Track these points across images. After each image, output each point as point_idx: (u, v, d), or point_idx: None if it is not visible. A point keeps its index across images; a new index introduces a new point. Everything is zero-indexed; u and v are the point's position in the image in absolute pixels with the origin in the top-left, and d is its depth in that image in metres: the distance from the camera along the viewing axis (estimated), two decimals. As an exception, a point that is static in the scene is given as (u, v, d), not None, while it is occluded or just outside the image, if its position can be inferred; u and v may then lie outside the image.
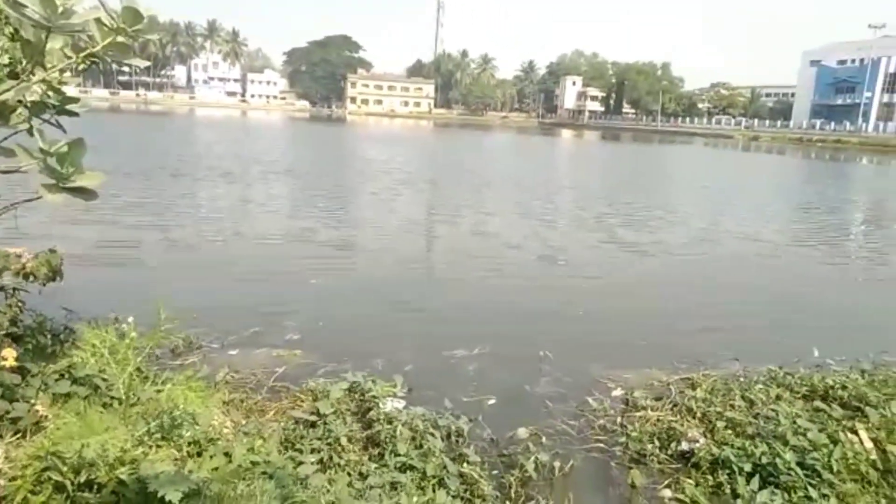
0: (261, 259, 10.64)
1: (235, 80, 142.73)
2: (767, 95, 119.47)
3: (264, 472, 3.57)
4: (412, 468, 4.12)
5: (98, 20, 1.88)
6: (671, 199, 22.27)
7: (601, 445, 4.91)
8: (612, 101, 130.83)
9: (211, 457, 3.50)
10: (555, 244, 13.01)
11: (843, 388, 5.58)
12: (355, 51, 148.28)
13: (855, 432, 4.71)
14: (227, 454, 3.59)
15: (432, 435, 4.52)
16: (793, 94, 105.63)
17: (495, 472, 4.42)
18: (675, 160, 49.65)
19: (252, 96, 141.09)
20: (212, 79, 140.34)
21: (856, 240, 16.65)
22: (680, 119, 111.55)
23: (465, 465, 4.28)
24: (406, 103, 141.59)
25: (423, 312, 8.30)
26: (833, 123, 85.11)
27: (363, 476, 4.00)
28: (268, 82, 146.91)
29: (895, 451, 4.46)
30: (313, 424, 4.60)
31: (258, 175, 22.19)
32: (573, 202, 20.73)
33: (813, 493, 3.91)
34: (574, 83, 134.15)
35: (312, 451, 4.27)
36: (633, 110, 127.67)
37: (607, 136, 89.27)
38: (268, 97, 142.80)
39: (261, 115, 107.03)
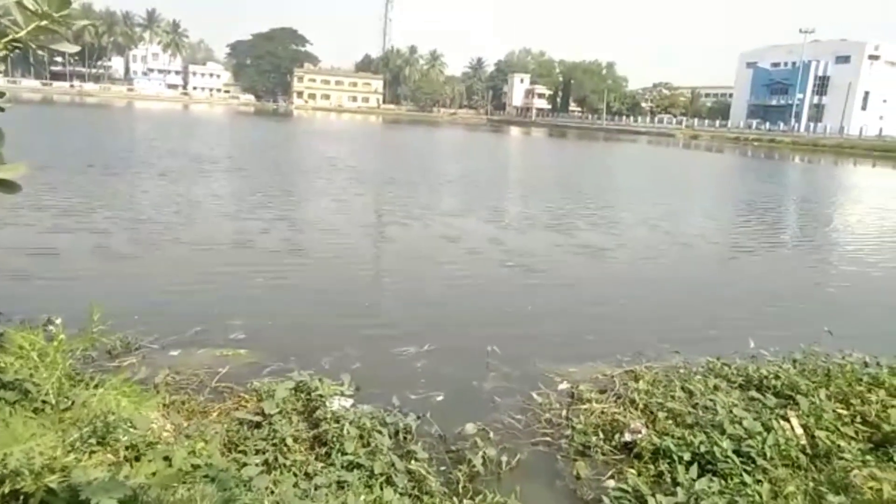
0: (205, 259, 10.36)
1: (177, 73, 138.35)
2: (707, 95, 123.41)
3: (206, 476, 3.48)
4: (359, 466, 4.08)
5: (20, 3, 1.78)
6: (619, 197, 22.76)
7: (547, 439, 4.98)
8: (559, 99, 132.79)
9: (149, 461, 3.38)
10: (506, 242, 13.12)
11: (777, 377, 5.81)
12: (302, 44, 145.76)
13: (787, 420, 4.91)
14: (166, 458, 3.48)
15: (380, 433, 4.49)
16: (730, 95, 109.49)
17: (443, 468, 4.44)
18: (622, 158, 50.74)
19: (194, 89, 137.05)
20: (151, 70, 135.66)
21: (789, 235, 17.38)
22: (624, 118, 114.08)
23: (412, 461, 4.28)
24: (354, 98, 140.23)
25: (372, 311, 8.24)
26: (768, 123, 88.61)
27: (309, 476, 3.95)
28: (211, 75, 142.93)
29: (823, 437, 4.68)
30: (258, 425, 4.52)
31: (200, 172, 21.60)
32: (523, 200, 20.95)
33: (748, 479, 4.05)
34: (522, 81, 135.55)
35: (257, 452, 4.19)
36: (579, 108, 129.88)
37: (554, 133, 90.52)
38: (211, 90, 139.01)
39: (203, 108, 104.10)
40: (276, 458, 4.13)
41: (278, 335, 6.96)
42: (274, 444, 4.27)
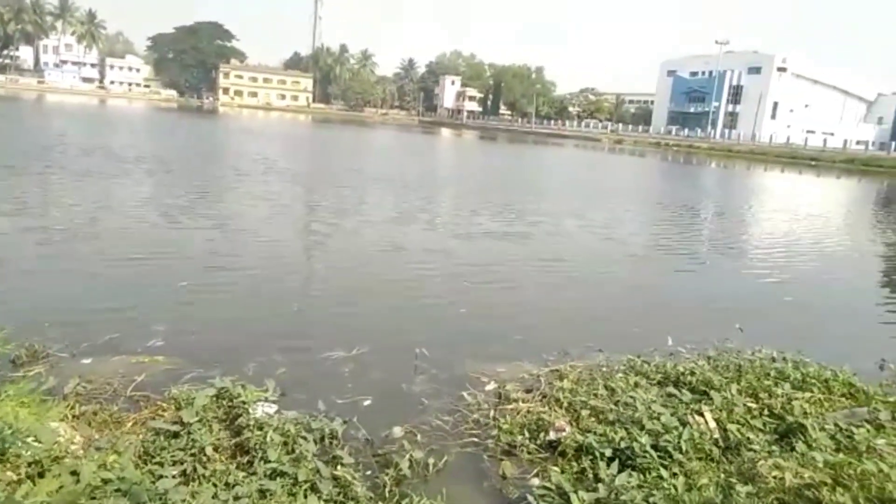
0: (122, 264, 9.80)
1: (93, 65, 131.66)
2: (630, 102, 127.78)
3: (118, 490, 3.32)
4: (283, 474, 3.99)
5: None
6: (549, 200, 23.23)
7: (475, 439, 5.02)
8: (489, 102, 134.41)
9: (54, 477, 3.19)
10: (438, 246, 13.15)
11: (692, 373, 6.07)
12: (228, 40, 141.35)
13: (701, 414, 5.14)
14: (74, 473, 3.30)
15: (305, 439, 4.41)
16: (652, 102, 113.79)
17: (370, 472, 4.39)
18: (551, 161, 51.86)
19: (112, 83, 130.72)
20: (64, 62, 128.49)
21: (706, 238, 18.21)
22: (553, 122, 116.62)
23: (338, 467, 4.22)
24: (283, 97, 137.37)
25: (300, 315, 8.08)
26: (687, 129, 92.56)
27: (230, 486, 3.82)
28: (130, 69, 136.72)
29: (734, 430, 4.92)
30: (176, 435, 4.34)
31: (120, 172, 20.62)
32: (455, 202, 21.07)
33: (664, 472, 4.21)
34: (453, 83, 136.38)
35: (174, 462, 4.02)
36: (509, 112, 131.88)
37: (485, 135, 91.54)
38: (130, 85, 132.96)
39: (122, 103, 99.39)
40: (194, 469, 3.98)
41: (200, 341, 6.73)
42: (193, 454, 4.11)
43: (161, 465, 3.96)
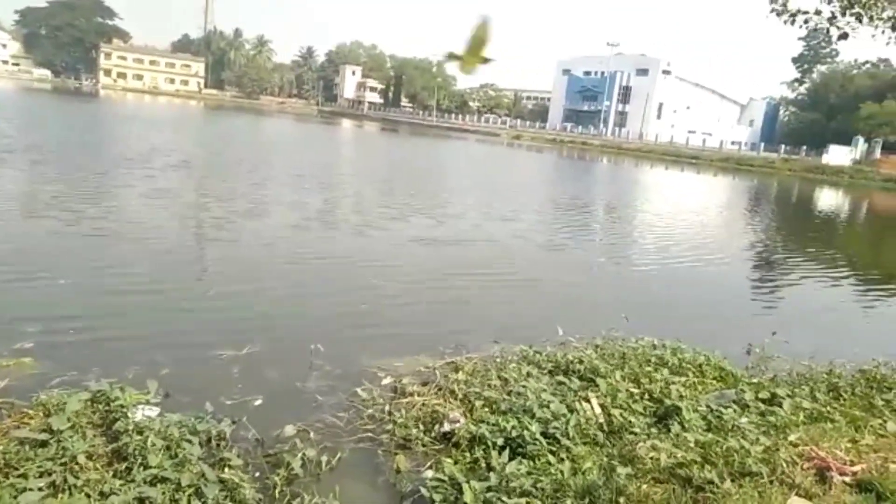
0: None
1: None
2: (528, 98, 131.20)
3: (-29, 509, 3.03)
4: (165, 480, 3.79)
5: None
6: (451, 193, 23.45)
7: (370, 435, 4.99)
8: (391, 94, 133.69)
9: None
10: (337, 240, 12.97)
11: (580, 362, 6.33)
12: (110, 17, 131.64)
13: (587, 400, 5.37)
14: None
15: (189, 442, 4.20)
16: (549, 99, 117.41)
17: (259, 473, 4.27)
18: (454, 154, 52.30)
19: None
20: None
21: (596, 230, 19.07)
22: (453, 116, 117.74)
23: (226, 469, 4.07)
24: (172, 81, 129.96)
25: (188, 313, 7.70)
26: (581, 127, 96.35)
27: (105, 495, 3.60)
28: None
29: (617, 414, 5.19)
30: (44, 444, 4.01)
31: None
32: (356, 195, 20.81)
33: (552, 458, 4.37)
34: (354, 73, 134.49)
35: (42, 474, 3.72)
36: (410, 104, 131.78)
37: (387, 127, 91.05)
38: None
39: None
40: (64, 479, 3.70)
41: (76, 342, 6.27)
42: (63, 464, 3.82)
43: (25, 476, 3.65)
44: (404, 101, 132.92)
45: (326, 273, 10.22)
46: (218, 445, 4.45)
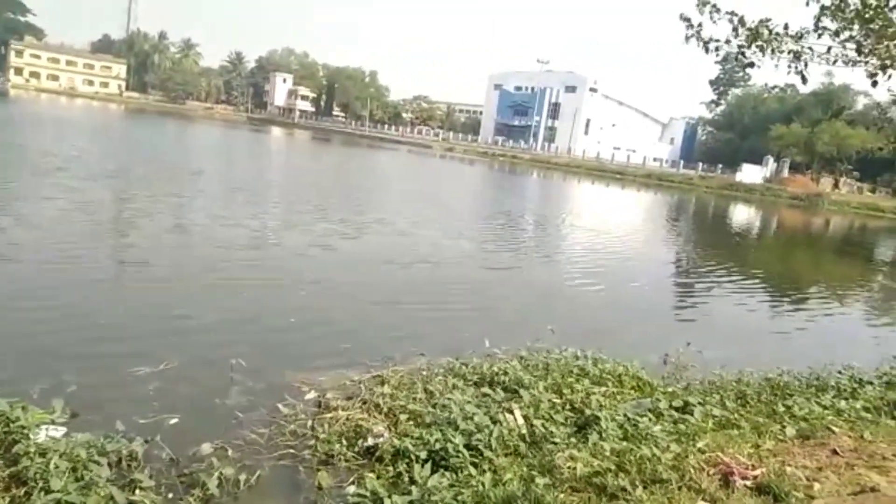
0: None
1: None
2: (461, 111, 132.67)
3: None
4: (68, 505, 3.60)
5: None
6: (382, 205, 23.35)
7: (291, 451, 4.90)
8: (322, 103, 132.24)
9: None
10: (264, 250, 12.67)
11: (505, 373, 6.43)
12: (21, 13, 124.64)
13: (511, 412, 5.46)
14: None
15: (97, 463, 4.01)
16: (481, 112, 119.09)
17: (172, 495, 4.11)
18: (386, 165, 52.15)
19: None
20: None
21: (525, 242, 19.42)
22: (386, 126, 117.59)
23: (136, 491, 3.91)
24: (91, 82, 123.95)
25: (103, 327, 7.35)
26: (511, 141, 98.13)
27: (0, 525, 3.38)
28: None
29: (539, 425, 5.29)
30: (-68, 471, 3.74)
31: None
32: (285, 205, 20.43)
33: (474, 470, 4.41)
34: (285, 81, 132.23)
35: (-72, 504, 3.47)
36: (342, 114, 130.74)
37: (319, 136, 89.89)
38: None
39: None
40: (-45, 509, 3.46)
41: (-28, 359, 5.87)
42: (-47, 493, 3.57)
43: None
44: (336, 111, 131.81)
45: (252, 288, 9.95)
46: (129, 466, 4.26)
